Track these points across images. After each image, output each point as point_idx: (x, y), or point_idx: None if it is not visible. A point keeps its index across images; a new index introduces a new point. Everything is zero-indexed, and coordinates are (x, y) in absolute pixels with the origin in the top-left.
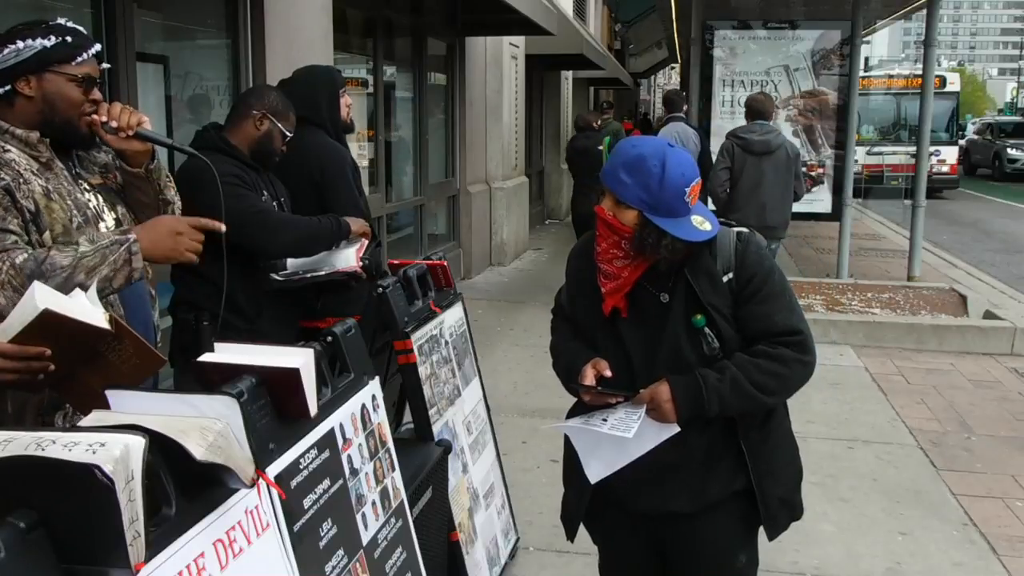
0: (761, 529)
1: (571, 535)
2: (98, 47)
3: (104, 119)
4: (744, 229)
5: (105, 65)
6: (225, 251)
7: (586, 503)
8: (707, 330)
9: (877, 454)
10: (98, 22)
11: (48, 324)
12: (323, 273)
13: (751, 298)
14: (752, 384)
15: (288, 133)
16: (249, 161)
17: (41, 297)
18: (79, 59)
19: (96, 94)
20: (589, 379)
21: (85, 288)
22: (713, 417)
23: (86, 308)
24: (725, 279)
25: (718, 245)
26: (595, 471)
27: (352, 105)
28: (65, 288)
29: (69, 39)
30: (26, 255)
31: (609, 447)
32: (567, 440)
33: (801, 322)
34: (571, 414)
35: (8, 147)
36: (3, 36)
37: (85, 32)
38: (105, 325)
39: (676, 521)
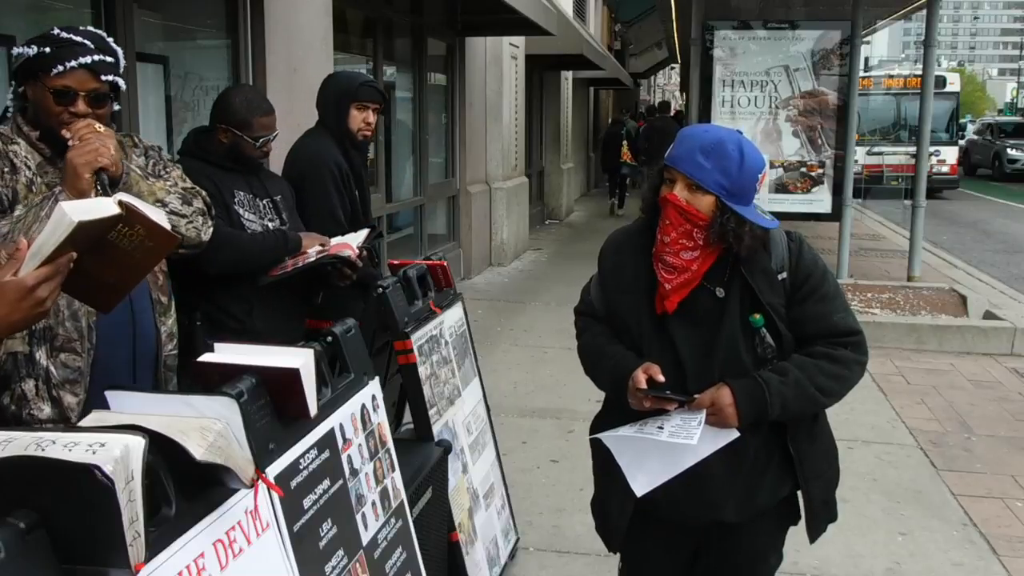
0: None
1: (614, 547)
2: (91, 59)
3: (68, 136)
4: (793, 230)
5: (108, 77)
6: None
7: (629, 516)
8: (764, 330)
9: (877, 454)
10: (98, 22)
11: (77, 234)
12: (312, 259)
13: (807, 298)
14: (815, 386)
15: (251, 140)
16: (226, 164)
17: (72, 211)
18: (55, 71)
19: (79, 107)
20: (643, 383)
21: None
22: (768, 421)
23: (98, 202)
24: (780, 278)
25: (772, 244)
26: (641, 484)
27: (371, 124)
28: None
29: (48, 50)
30: None
31: (657, 458)
32: (597, 448)
33: (857, 323)
34: (600, 422)
35: (17, 140)
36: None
37: (83, 42)
38: (117, 210)
39: (718, 530)
